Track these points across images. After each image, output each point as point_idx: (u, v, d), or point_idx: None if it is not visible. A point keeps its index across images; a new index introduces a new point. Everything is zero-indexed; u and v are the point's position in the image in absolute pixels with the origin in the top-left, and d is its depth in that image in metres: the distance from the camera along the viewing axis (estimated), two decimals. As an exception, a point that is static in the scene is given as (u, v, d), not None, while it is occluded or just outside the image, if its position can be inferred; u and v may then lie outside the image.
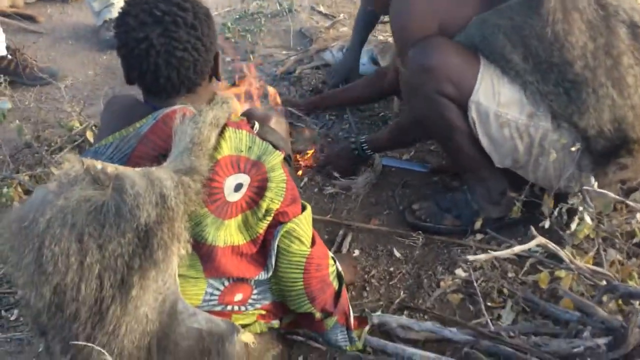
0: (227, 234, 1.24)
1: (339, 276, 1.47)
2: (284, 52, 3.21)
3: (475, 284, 1.64)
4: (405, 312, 1.69)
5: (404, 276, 1.81)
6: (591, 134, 1.70)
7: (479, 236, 1.90)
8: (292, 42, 3.27)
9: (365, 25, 2.66)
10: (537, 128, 1.73)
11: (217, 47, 1.37)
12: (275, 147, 1.35)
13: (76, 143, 2.32)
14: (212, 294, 1.28)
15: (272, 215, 1.28)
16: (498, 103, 1.72)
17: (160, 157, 1.25)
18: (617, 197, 1.67)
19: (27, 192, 2.11)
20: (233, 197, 1.24)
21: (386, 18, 2.68)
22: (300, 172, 2.24)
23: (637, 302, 1.50)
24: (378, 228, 1.98)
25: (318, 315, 1.42)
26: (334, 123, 2.55)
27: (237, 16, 3.49)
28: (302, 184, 2.20)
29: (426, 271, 1.82)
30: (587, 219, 1.63)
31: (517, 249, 1.59)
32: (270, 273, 1.33)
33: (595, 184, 1.66)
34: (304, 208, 1.38)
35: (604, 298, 1.50)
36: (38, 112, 2.62)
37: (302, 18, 3.54)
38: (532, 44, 1.67)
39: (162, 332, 1.18)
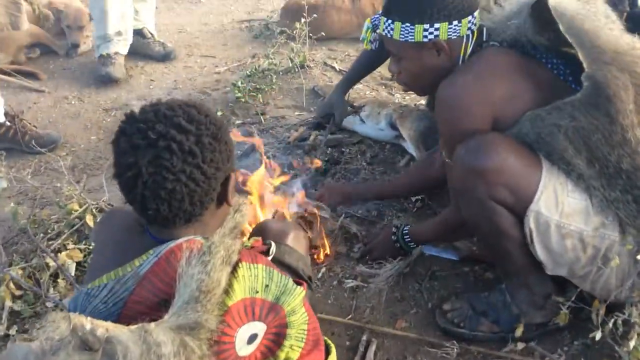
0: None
1: None
2: (297, 112, 3.06)
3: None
4: None
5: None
6: None
7: (519, 345, 1.69)
8: (305, 102, 3.12)
9: (365, 64, 2.56)
10: (604, 238, 1.53)
11: (229, 169, 1.18)
12: (295, 271, 1.18)
13: (75, 228, 2.14)
14: None
15: None
16: (561, 213, 1.51)
17: (161, 303, 1.08)
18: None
19: (20, 288, 1.93)
20: (246, 350, 1.07)
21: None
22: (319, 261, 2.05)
23: None
24: (406, 334, 1.77)
25: None
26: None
27: (248, 73, 3.33)
28: (319, 275, 2.01)
29: (464, 392, 1.61)
30: (650, 335, 1.43)
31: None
32: None
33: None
34: (328, 349, 1.19)
35: None
36: (36, 188, 2.46)
37: (314, 74, 3.40)
38: (599, 148, 1.47)
39: None
